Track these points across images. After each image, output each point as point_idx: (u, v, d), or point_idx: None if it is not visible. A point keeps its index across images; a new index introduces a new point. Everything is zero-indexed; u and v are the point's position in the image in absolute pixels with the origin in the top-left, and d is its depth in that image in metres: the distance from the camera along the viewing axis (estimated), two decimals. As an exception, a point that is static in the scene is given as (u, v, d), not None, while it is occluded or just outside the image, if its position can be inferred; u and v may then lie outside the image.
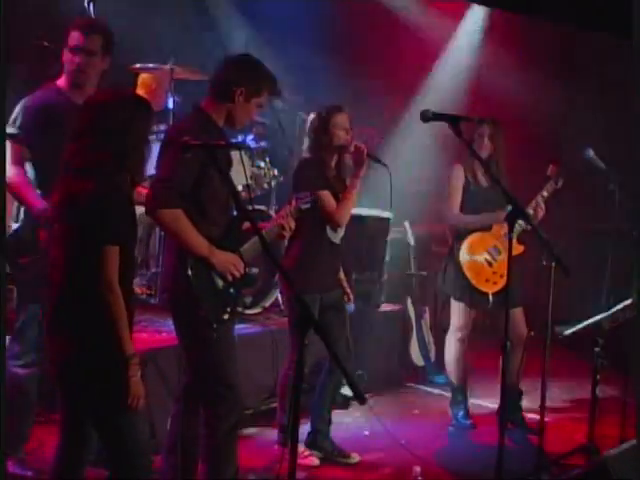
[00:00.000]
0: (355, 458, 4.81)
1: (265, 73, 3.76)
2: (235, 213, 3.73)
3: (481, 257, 5.36)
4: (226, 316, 3.64)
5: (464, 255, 5.34)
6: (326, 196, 4.52)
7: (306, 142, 4.65)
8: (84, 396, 3.01)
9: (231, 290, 3.67)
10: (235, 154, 4.86)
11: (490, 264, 5.35)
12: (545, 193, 5.30)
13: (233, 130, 3.85)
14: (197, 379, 3.70)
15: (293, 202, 4.01)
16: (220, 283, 3.63)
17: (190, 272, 3.52)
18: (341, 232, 4.64)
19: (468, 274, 5.32)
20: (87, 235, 2.92)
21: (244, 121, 3.84)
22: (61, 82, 4.23)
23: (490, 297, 5.33)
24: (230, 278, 3.63)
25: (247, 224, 3.68)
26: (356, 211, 5.14)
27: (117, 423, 3.00)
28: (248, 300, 5.66)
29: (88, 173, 2.96)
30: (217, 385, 3.63)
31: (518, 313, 5.36)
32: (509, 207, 3.46)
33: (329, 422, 4.82)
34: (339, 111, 4.58)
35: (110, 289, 2.90)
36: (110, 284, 2.90)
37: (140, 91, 5.77)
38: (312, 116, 4.64)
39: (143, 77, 5.89)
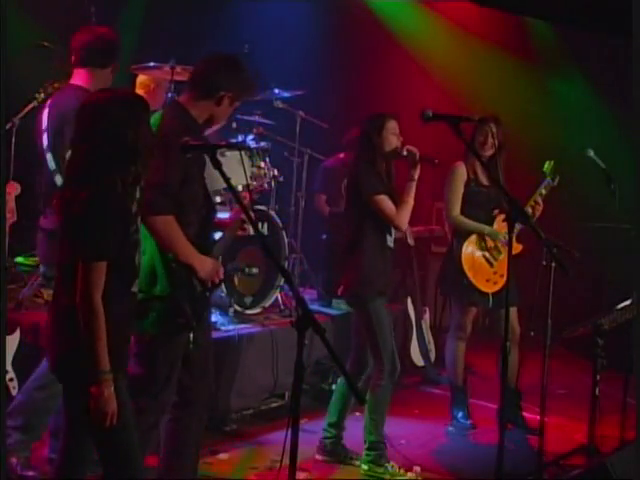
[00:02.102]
0: None
1: (249, 79, 3.74)
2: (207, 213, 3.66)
3: (482, 257, 5.36)
4: (200, 319, 3.56)
5: (465, 254, 5.35)
6: (385, 201, 4.61)
7: (359, 149, 4.75)
8: (73, 404, 2.99)
9: (207, 294, 3.60)
10: (235, 154, 4.88)
11: (491, 264, 5.36)
12: (543, 191, 5.32)
13: (209, 128, 3.77)
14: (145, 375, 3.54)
15: (247, 196, 4.01)
16: (199, 288, 3.54)
17: (170, 277, 3.45)
18: (393, 236, 4.75)
19: (469, 273, 5.32)
20: (74, 246, 2.87)
21: (223, 122, 3.90)
22: (82, 82, 4.19)
23: (490, 297, 5.35)
24: (210, 284, 3.57)
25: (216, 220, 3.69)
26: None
27: (97, 433, 2.94)
28: (248, 300, 5.65)
29: (80, 180, 2.88)
30: (154, 382, 3.51)
31: (513, 312, 5.35)
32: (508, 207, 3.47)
33: (343, 428, 4.80)
34: (390, 117, 4.71)
35: (90, 304, 2.82)
36: (90, 299, 2.82)
37: (139, 91, 5.76)
38: (365, 124, 4.74)
39: (141, 77, 5.88)
